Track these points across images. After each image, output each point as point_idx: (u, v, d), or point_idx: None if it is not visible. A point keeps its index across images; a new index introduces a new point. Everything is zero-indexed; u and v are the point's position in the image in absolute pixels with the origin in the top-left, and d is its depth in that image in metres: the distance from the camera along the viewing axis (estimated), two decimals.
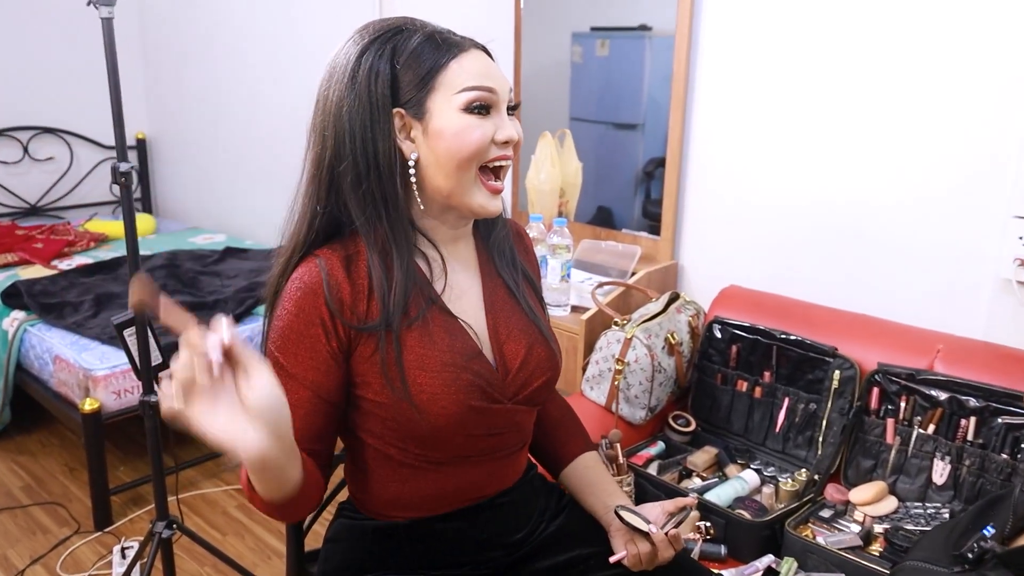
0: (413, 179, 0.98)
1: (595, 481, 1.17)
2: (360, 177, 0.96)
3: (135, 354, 1.54)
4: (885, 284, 1.79)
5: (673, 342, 1.82)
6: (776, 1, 1.84)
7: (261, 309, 2.66)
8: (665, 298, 1.93)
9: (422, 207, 1.00)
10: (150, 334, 1.52)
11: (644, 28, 2.15)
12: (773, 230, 1.95)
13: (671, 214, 2.15)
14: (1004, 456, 1.47)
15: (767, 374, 1.78)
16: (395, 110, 0.96)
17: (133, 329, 1.53)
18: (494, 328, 1.06)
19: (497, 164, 0.98)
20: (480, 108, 0.95)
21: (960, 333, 1.67)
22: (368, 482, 1.07)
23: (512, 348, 1.06)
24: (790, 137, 1.88)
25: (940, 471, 1.54)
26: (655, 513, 1.06)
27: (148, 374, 1.52)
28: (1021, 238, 1.55)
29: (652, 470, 1.71)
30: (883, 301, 1.79)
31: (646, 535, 1.02)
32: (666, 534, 1.01)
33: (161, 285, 2.83)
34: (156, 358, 1.56)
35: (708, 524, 1.52)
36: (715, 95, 2.00)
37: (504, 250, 1.13)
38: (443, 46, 0.96)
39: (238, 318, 2.60)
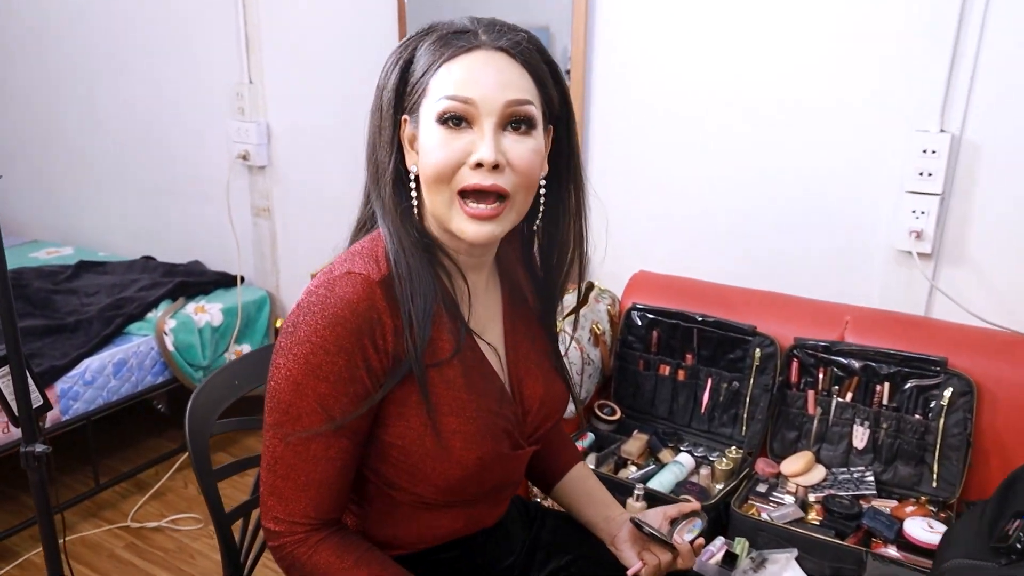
0: (414, 194, 0.89)
1: (590, 493, 1.13)
2: (371, 187, 0.90)
3: (9, 397, 1.32)
4: (788, 261, 1.86)
5: (598, 332, 1.81)
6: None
7: (133, 327, 2.42)
8: (581, 289, 1.91)
9: (432, 228, 0.92)
10: (28, 376, 1.31)
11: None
12: (675, 213, 1.98)
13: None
14: (917, 417, 1.57)
15: (689, 356, 1.81)
16: (403, 117, 0.89)
17: (5, 368, 1.31)
18: (514, 365, 0.99)
19: (474, 190, 0.85)
20: (452, 121, 0.83)
21: (859, 303, 1.77)
22: (362, 516, 0.98)
23: (531, 387, 0.99)
24: (687, 118, 1.91)
25: (860, 436, 1.62)
26: (658, 520, 1.03)
27: (31, 421, 1.31)
28: (914, 211, 1.65)
29: (590, 463, 1.69)
30: (786, 277, 1.86)
31: (667, 545, 0.99)
32: (691, 543, 0.99)
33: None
34: (36, 399, 1.34)
35: None
36: (611, 79, 2.00)
37: (515, 277, 1.05)
38: (448, 46, 0.85)
39: (107, 339, 2.33)
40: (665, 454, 1.73)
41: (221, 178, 2.73)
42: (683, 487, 1.61)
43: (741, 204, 1.88)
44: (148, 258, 2.98)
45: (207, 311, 2.55)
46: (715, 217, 1.93)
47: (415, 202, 0.90)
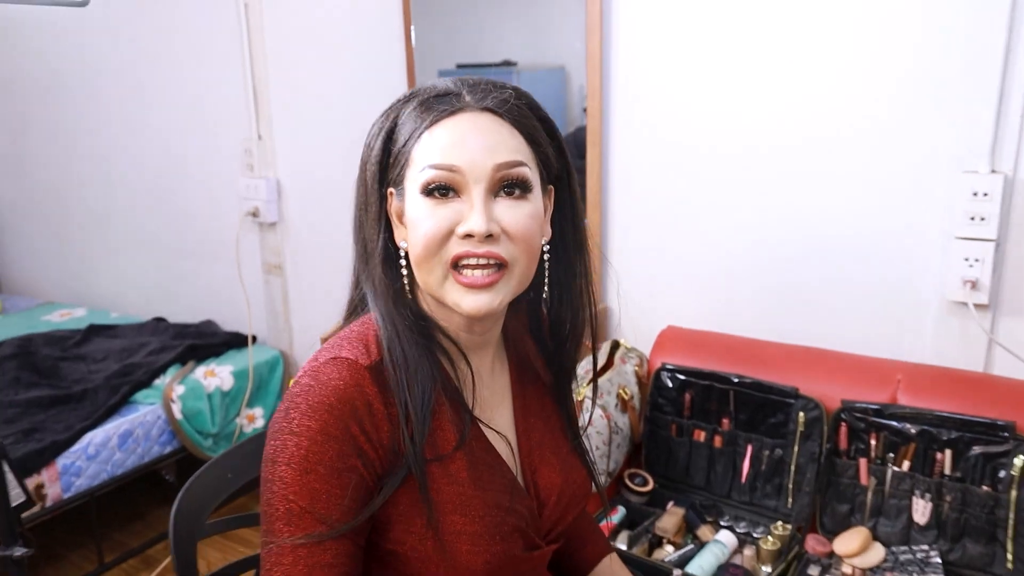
0: (405, 272, 0.82)
1: None
2: (360, 267, 0.85)
3: None
4: (828, 314, 1.72)
5: (625, 397, 1.68)
6: (693, 22, 1.75)
7: (140, 395, 2.32)
8: (606, 348, 1.79)
9: (427, 306, 0.85)
10: (5, 468, 1.21)
11: (508, 64, 2.16)
12: (706, 264, 1.86)
13: (596, 253, 2.01)
14: (985, 488, 1.41)
15: (725, 421, 1.67)
16: (389, 190, 0.83)
17: None
18: (528, 453, 0.89)
19: (464, 262, 0.77)
20: (439, 191, 0.77)
21: (910, 359, 1.62)
22: None
23: (547, 477, 0.89)
24: (714, 160, 1.79)
25: (921, 510, 1.46)
26: None
27: (9, 521, 1.21)
28: (967, 259, 1.51)
29: (621, 543, 1.55)
30: (827, 331, 1.72)
31: None
32: None
33: (13, 379, 2.41)
34: (17, 496, 1.24)
35: None
36: (630, 120, 1.89)
37: (524, 352, 0.96)
38: (431, 111, 0.79)
39: (112, 409, 2.24)
40: (704, 531, 1.58)
41: (232, 236, 2.66)
42: (725, 571, 1.46)
43: (776, 252, 1.75)
44: (159, 319, 2.90)
45: (217, 375, 2.46)
46: (748, 267, 1.80)
47: (407, 280, 0.83)
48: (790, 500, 1.59)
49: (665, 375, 1.73)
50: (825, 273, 1.70)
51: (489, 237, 0.76)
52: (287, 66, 2.46)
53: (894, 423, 1.49)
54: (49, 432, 2.09)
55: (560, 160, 0.86)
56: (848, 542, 1.47)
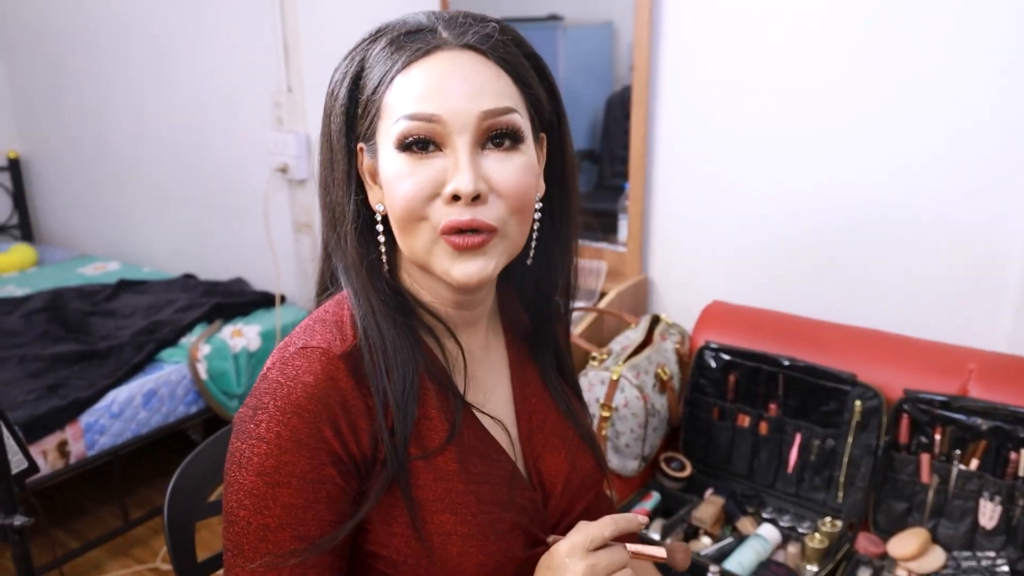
0: (382, 239, 0.72)
1: None
2: (328, 235, 0.74)
3: None
4: (891, 294, 1.57)
5: (664, 377, 1.56)
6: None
7: (165, 354, 2.28)
8: (645, 323, 1.67)
9: (409, 277, 0.74)
10: (6, 433, 1.15)
11: (554, 18, 2.02)
12: (757, 235, 1.71)
13: (637, 220, 1.88)
14: None
15: (773, 407, 1.54)
16: (358, 145, 0.72)
17: None
18: (528, 437, 0.80)
19: (453, 229, 0.66)
20: (417, 146, 0.66)
21: (983, 346, 1.47)
22: None
23: (552, 463, 0.80)
24: (770, 120, 1.63)
25: (989, 513, 1.33)
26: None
27: (8, 488, 1.15)
28: None
29: (654, 532, 1.45)
30: (890, 313, 1.56)
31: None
32: None
33: (42, 333, 2.39)
34: (19, 463, 1.18)
35: None
36: (679, 78, 1.73)
37: (521, 325, 0.86)
38: (402, 50, 0.68)
39: (138, 367, 2.20)
40: (744, 523, 1.46)
41: (260, 192, 2.58)
42: (766, 568, 1.35)
43: (835, 225, 1.60)
44: (189, 276, 2.86)
45: (244, 335, 2.40)
46: (803, 240, 1.64)
47: (384, 249, 0.73)
48: (841, 494, 1.46)
49: (709, 354, 1.60)
50: (888, 249, 1.54)
51: (476, 198, 0.66)
52: (320, 15, 2.34)
53: (963, 417, 1.35)
54: (73, 389, 2.05)
55: (552, 104, 0.75)
56: (904, 544, 1.35)
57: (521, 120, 0.69)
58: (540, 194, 0.75)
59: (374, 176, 0.71)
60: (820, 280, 1.64)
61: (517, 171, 0.68)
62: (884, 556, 1.37)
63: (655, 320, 1.68)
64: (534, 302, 0.85)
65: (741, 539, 1.42)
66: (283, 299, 2.60)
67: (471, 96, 0.66)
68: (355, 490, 0.69)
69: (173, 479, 1.01)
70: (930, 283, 1.51)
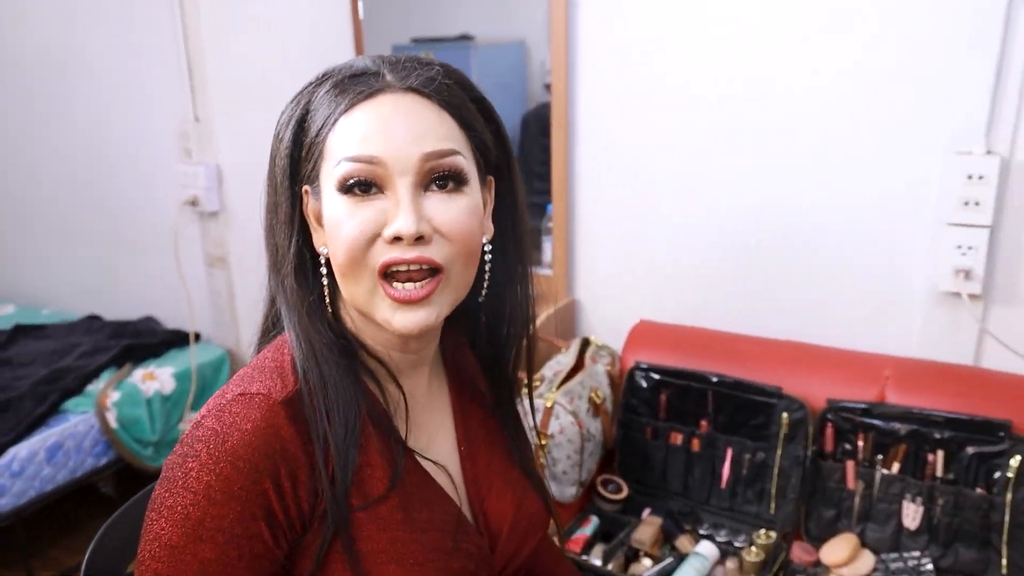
0: (325, 280, 0.70)
1: None
2: (272, 278, 0.74)
3: None
4: (811, 306, 1.62)
5: (598, 401, 1.56)
6: (665, 2, 1.62)
7: (71, 403, 2.14)
8: (575, 346, 1.67)
9: (351, 320, 0.73)
10: None
11: (465, 38, 2.04)
12: (681, 254, 1.74)
13: (562, 243, 1.88)
14: (979, 491, 1.33)
15: (704, 423, 1.56)
16: (303, 188, 0.71)
17: None
18: (473, 481, 0.78)
19: (393, 270, 0.66)
20: (359, 188, 0.66)
21: (896, 352, 1.53)
22: None
23: (496, 507, 0.78)
24: (691, 141, 1.66)
25: (912, 514, 1.38)
26: None
27: None
28: (960, 247, 1.42)
29: (596, 558, 1.44)
30: (810, 325, 1.62)
31: None
32: None
33: None
34: None
35: None
36: (599, 97, 1.76)
37: (464, 366, 0.85)
38: (346, 93, 0.68)
39: (39, 420, 2.05)
40: (683, 542, 1.47)
41: (169, 226, 2.47)
42: None
43: (755, 241, 1.64)
44: (93, 317, 2.70)
45: (157, 377, 2.28)
46: (726, 257, 1.68)
47: (327, 291, 0.71)
48: (773, 506, 1.49)
49: (639, 375, 1.61)
50: (807, 263, 1.60)
51: (420, 239, 0.65)
52: (226, 41, 2.26)
53: (882, 423, 1.40)
54: None
55: (499, 147, 0.75)
56: (836, 550, 1.39)
57: (465, 162, 0.68)
58: (488, 236, 0.74)
59: (319, 219, 0.70)
60: (742, 296, 1.68)
61: (461, 212, 0.67)
62: (817, 563, 1.40)
63: (585, 343, 1.69)
64: (489, 342, 0.83)
65: (681, 558, 1.43)
66: (198, 337, 2.49)
67: (413, 138, 0.65)
68: (283, 550, 0.66)
69: (92, 543, 0.93)
70: (845, 295, 1.57)
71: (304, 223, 0.71)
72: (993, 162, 1.36)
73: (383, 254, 0.65)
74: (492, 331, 0.83)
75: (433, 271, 0.67)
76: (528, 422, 0.90)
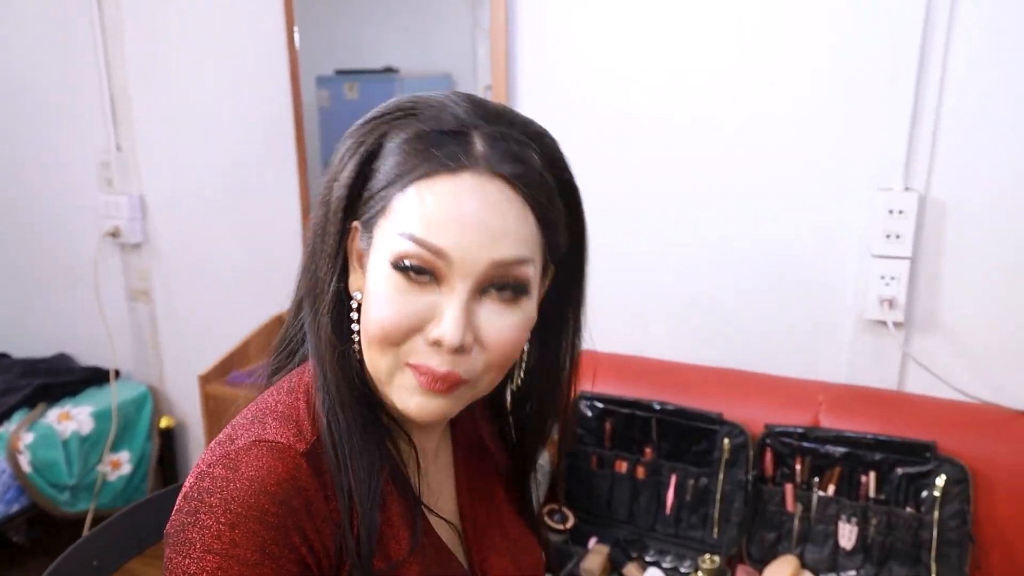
0: (355, 327, 0.65)
1: None
2: (307, 302, 0.67)
3: None
4: (747, 335, 1.68)
5: None
6: (603, 39, 1.67)
7: None
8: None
9: (374, 371, 0.65)
10: None
11: (390, 70, 2.05)
12: (620, 286, 1.78)
13: None
14: (909, 510, 1.39)
15: (648, 450, 1.59)
16: (354, 223, 0.64)
17: None
18: (475, 539, 0.75)
19: (421, 368, 0.61)
20: (414, 270, 0.59)
21: (826, 378, 1.60)
22: None
23: (497, 564, 0.76)
24: (631, 180, 1.71)
25: (847, 534, 1.43)
26: None
27: None
28: (883, 277, 1.50)
29: None
30: (747, 353, 1.67)
31: None
32: None
33: None
34: None
35: None
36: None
37: (470, 428, 0.82)
38: (428, 157, 0.59)
39: None
40: (631, 569, 1.49)
41: (88, 258, 2.35)
42: None
43: (692, 272, 1.70)
44: (2, 356, 2.53)
45: (73, 417, 2.16)
46: (664, 288, 1.73)
47: (357, 338, 0.65)
48: (716, 530, 1.53)
49: (584, 404, 1.63)
50: (742, 293, 1.66)
51: (460, 349, 0.60)
52: (151, 68, 2.19)
53: (819, 446, 1.46)
54: None
55: (574, 236, 0.69)
56: (778, 573, 1.42)
57: (532, 272, 0.62)
58: (525, 346, 0.70)
59: (360, 260, 0.65)
60: (683, 326, 1.73)
61: (511, 329, 0.62)
62: None
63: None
64: (516, 424, 0.80)
65: None
66: (118, 374, 2.37)
67: (488, 240, 0.59)
68: None
69: None
70: (780, 324, 1.63)
71: (346, 259, 0.66)
72: (911, 198, 1.45)
73: (417, 354, 0.61)
74: (523, 416, 0.79)
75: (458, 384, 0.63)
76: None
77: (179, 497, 0.61)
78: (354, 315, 0.65)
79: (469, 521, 0.76)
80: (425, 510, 0.70)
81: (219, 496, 0.58)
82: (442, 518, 0.72)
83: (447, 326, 0.59)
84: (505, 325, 0.62)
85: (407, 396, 0.62)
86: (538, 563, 0.82)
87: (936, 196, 1.46)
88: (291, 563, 0.58)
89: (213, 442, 0.63)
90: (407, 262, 0.59)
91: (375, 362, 0.64)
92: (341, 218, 0.63)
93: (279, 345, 0.74)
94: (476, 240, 0.59)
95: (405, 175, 0.60)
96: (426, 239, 0.59)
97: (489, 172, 0.59)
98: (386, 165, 0.61)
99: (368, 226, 0.63)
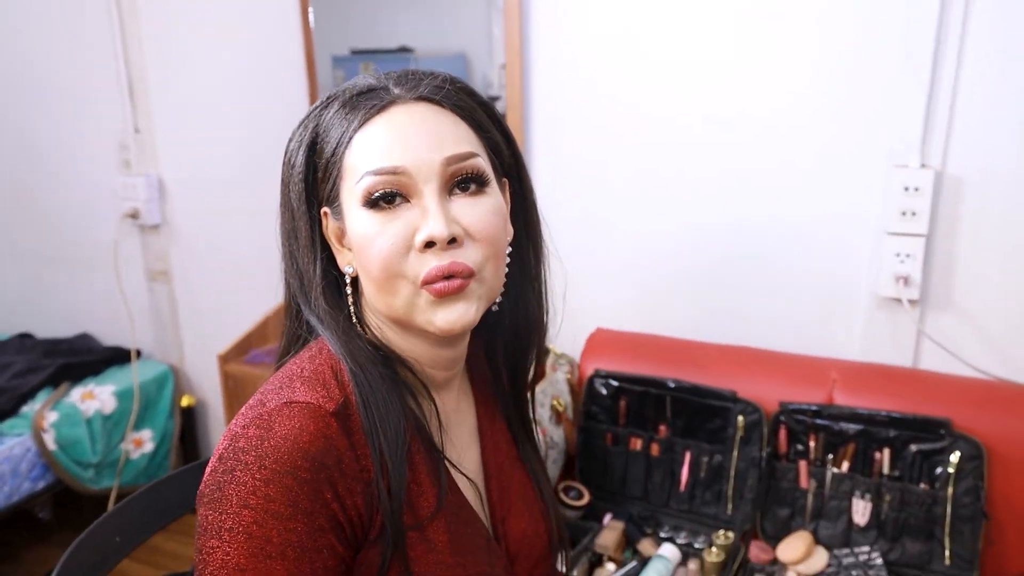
0: (350, 299, 0.70)
1: None
2: (300, 300, 0.73)
3: None
4: (762, 313, 1.68)
5: (560, 409, 1.58)
6: (619, 17, 1.66)
7: (5, 426, 2.04)
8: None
9: (383, 337, 0.72)
10: None
11: (405, 50, 2.05)
12: (635, 263, 1.78)
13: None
14: (923, 486, 1.40)
15: (662, 428, 1.60)
16: (322, 211, 0.71)
17: None
18: (498, 499, 0.78)
19: (431, 281, 0.66)
20: (384, 200, 0.66)
21: (841, 356, 1.60)
22: None
23: (516, 527, 0.78)
24: (646, 158, 1.71)
25: (861, 511, 1.44)
26: None
27: None
28: (898, 255, 1.50)
29: (561, 565, 1.45)
30: (762, 330, 1.68)
31: None
32: None
33: None
34: None
35: None
36: (554, 111, 1.79)
37: (483, 378, 0.84)
38: (357, 109, 0.68)
39: None
40: (645, 545, 1.50)
41: (108, 240, 2.39)
42: None
43: (708, 250, 1.70)
44: (25, 335, 2.58)
45: (96, 396, 2.20)
46: (679, 266, 1.74)
47: (353, 310, 0.71)
48: (730, 507, 1.54)
49: (598, 382, 1.64)
50: (758, 272, 1.66)
51: (452, 242, 0.65)
52: (167, 50, 2.21)
53: (832, 423, 1.47)
54: None
55: (509, 147, 0.76)
56: (791, 548, 1.44)
57: (484, 164, 0.69)
58: (510, 237, 0.74)
59: (340, 239, 0.70)
60: (696, 304, 1.73)
61: (487, 213, 0.68)
62: (774, 561, 1.45)
63: (545, 353, 1.71)
64: (511, 349, 0.83)
65: (644, 561, 1.46)
66: (139, 354, 2.41)
67: (432, 145, 0.66)
68: (350, 560, 0.65)
69: (56, 573, 0.88)
70: (794, 301, 1.63)
71: (325, 244, 0.71)
72: (927, 175, 1.44)
73: (419, 264, 0.65)
74: (511, 339, 0.82)
75: (467, 275, 0.67)
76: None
77: (213, 459, 0.64)
78: (348, 289, 0.71)
79: (493, 480, 0.79)
80: (449, 466, 0.72)
81: (254, 454, 0.61)
82: (466, 476, 0.75)
83: (431, 222, 0.65)
84: (481, 212, 0.68)
85: (430, 313, 0.66)
86: (549, 528, 0.84)
87: (952, 173, 1.45)
88: (323, 518, 0.61)
89: (244, 407, 0.66)
90: (376, 194, 0.65)
91: (391, 303, 0.67)
92: (306, 209, 0.69)
93: (282, 345, 0.78)
94: (423, 149, 0.66)
95: (346, 133, 0.67)
96: (382, 166, 0.65)
97: (412, 99, 0.68)
98: (328, 139, 0.68)
99: (333, 198, 0.68)
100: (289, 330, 0.76)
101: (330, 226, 0.70)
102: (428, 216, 0.65)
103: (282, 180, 0.71)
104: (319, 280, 0.69)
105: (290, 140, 0.71)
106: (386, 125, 0.66)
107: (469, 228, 0.67)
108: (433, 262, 0.65)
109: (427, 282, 0.65)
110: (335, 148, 0.68)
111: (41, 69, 2.41)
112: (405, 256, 0.65)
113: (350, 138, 0.67)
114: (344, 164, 0.67)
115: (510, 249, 0.75)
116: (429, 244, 0.65)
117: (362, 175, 0.66)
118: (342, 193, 0.68)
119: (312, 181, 0.70)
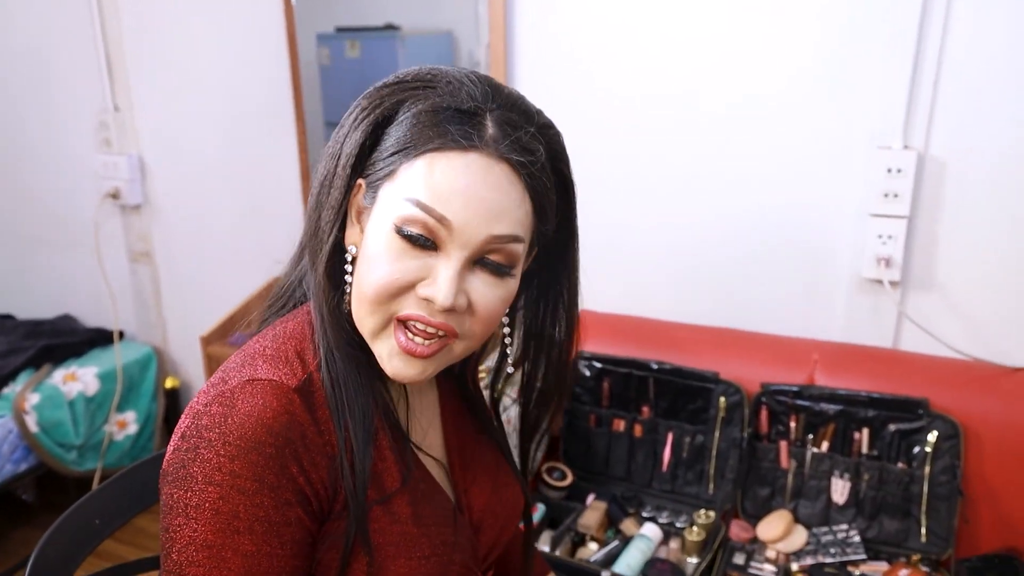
0: (348, 278, 0.68)
1: None
2: (309, 245, 0.70)
3: None
4: (744, 295, 1.69)
5: None
6: (604, 7, 1.65)
7: None
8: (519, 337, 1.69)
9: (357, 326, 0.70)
10: None
11: (391, 27, 2.02)
12: (620, 245, 1.78)
13: None
14: (901, 465, 1.42)
15: (645, 409, 1.61)
16: (359, 180, 0.67)
17: None
18: (460, 473, 0.79)
19: (411, 323, 0.64)
20: (416, 239, 0.62)
21: (822, 337, 1.62)
22: None
23: (479, 496, 0.79)
24: (631, 141, 1.71)
25: (840, 489, 1.46)
26: None
27: None
28: (880, 236, 1.51)
29: (544, 544, 1.47)
30: (744, 312, 1.69)
31: None
32: None
33: None
34: None
35: None
36: (539, 93, 1.77)
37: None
38: (440, 131, 0.62)
39: None
40: (628, 525, 1.52)
41: (89, 220, 2.36)
42: (653, 567, 1.41)
43: (693, 233, 1.70)
44: (6, 317, 2.56)
45: (79, 378, 2.19)
46: (663, 248, 1.74)
47: (349, 288, 0.69)
48: (712, 486, 1.56)
49: (582, 363, 1.65)
50: (740, 253, 1.66)
51: (449, 310, 0.64)
52: (146, 27, 2.17)
53: (812, 404, 1.48)
54: None
55: (566, 220, 0.73)
56: (771, 527, 1.46)
57: (521, 250, 0.66)
58: (505, 320, 0.75)
59: (359, 216, 0.68)
60: (679, 285, 1.74)
61: (498, 301, 0.66)
62: (755, 540, 1.47)
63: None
64: (526, 391, 0.83)
65: (626, 541, 1.47)
66: (121, 335, 2.39)
67: (490, 217, 0.62)
68: (316, 533, 0.65)
69: (30, 562, 0.88)
70: (775, 283, 1.64)
71: (346, 213, 0.69)
72: (910, 156, 1.45)
73: (409, 307, 0.64)
74: (527, 383, 0.82)
75: (451, 336, 0.66)
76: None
77: (175, 438, 0.64)
78: (348, 267, 0.68)
79: (455, 455, 0.80)
80: (414, 447, 0.73)
81: (217, 431, 0.61)
82: (430, 455, 0.76)
83: (441, 286, 0.62)
84: (494, 296, 0.66)
85: (387, 356, 0.66)
86: (516, 496, 0.85)
87: (935, 155, 1.46)
88: (289, 492, 0.62)
89: (205, 384, 0.66)
90: (410, 228, 0.62)
91: (362, 319, 0.67)
92: (348, 174, 0.66)
93: (278, 291, 0.77)
94: (478, 213, 0.62)
95: (417, 145, 0.63)
96: (432, 206, 0.61)
97: (497, 156, 0.63)
98: (399, 131, 0.64)
99: (373, 186, 0.66)
100: (289, 272, 0.76)
101: (357, 200, 0.68)
102: (441, 279, 0.63)
103: (337, 131, 0.68)
104: (328, 251, 0.67)
105: (364, 97, 0.68)
106: (459, 169, 0.62)
107: (475, 304, 0.65)
108: (423, 313, 0.64)
109: (403, 322, 0.64)
110: (401, 148, 0.64)
111: (17, 44, 2.36)
112: (400, 295, 0.64)
113: (420, 152, 0.63)
114: (400, 171, 0.64)
115: (508, 321, 0.75)
116: (428, 300, 0.63)
117: (410, 197, 0.62)
118: (382, 192, 0.65)
119: (363, 155, 0.66)
